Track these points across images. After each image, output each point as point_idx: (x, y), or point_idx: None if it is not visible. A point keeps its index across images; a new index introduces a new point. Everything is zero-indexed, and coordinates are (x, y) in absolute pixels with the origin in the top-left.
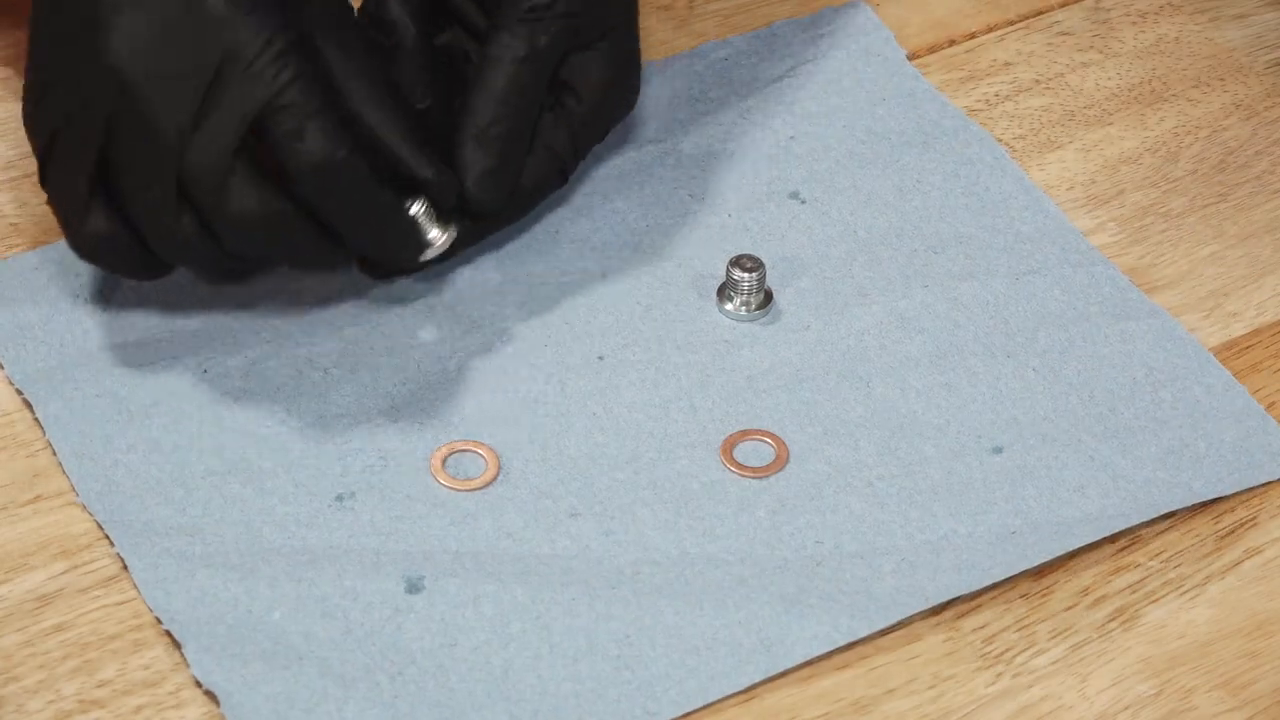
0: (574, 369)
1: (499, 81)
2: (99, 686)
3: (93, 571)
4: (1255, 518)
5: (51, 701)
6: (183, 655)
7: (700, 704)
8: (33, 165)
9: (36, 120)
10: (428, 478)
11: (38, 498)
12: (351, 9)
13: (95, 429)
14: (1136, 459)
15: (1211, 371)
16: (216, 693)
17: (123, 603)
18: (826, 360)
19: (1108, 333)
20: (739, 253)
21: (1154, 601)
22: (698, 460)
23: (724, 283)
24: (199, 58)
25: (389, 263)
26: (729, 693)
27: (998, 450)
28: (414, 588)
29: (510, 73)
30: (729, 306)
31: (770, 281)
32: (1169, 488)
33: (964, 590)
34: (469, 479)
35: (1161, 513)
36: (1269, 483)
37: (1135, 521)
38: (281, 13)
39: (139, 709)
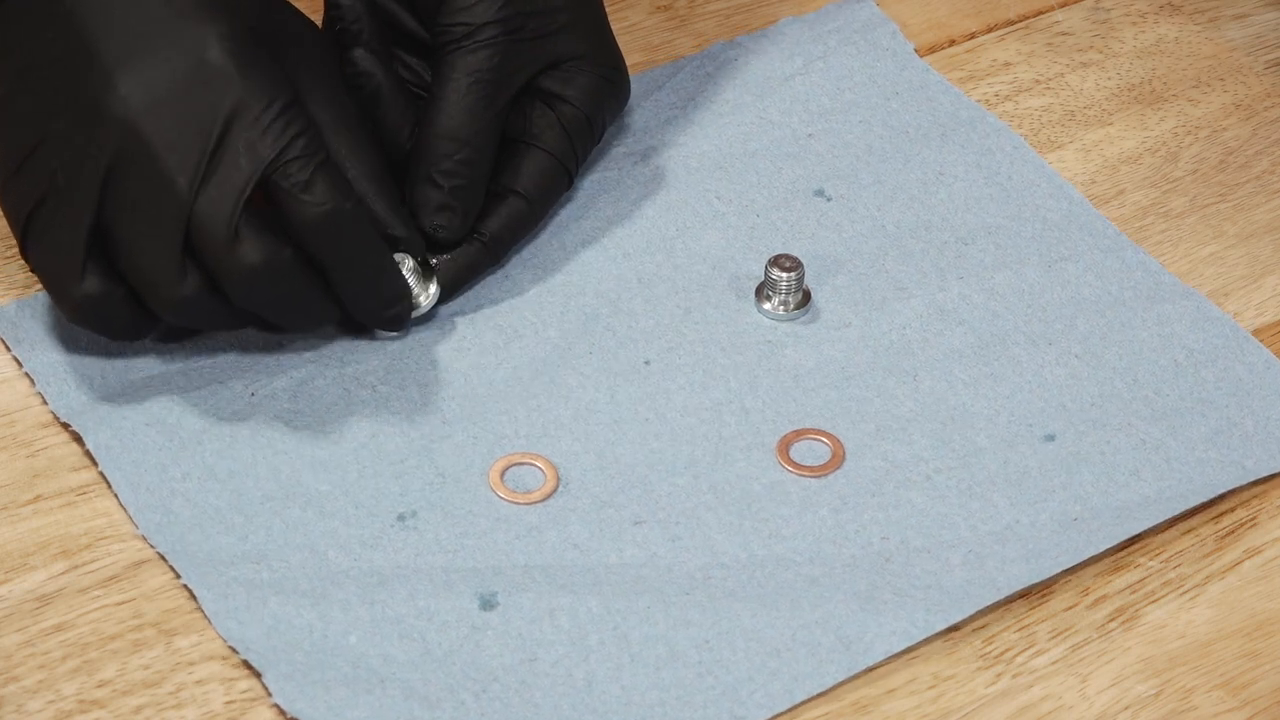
0: (622, 375)
1: (441, 117)
2: (99, 686)
3: (93, 572)
4: (1255, 518)
5: (51, 701)
6: (263, 684)
7: (786, 706)
8: None
9: (20, 187)
10: (488, 492)
11: (38, 498)
12: (335, 60)
13: (148, 458)
14: (1187, 440)
15: (1251, 350)
16: None
17: (123, 603)
18: (871, 356)
19: (1144, 316)
20: (774, 252)
21: (1154, 601)
22: (755, 462)
23: (762, 282)
24: (206, 112)
25: (377, 318)
26: (814, 693)
27: (1050, 438)
28: (488, 604)
29: (452, 106)
30: (768, 306)
31: (806, 280)
32: (1222, 467)
33: (1034, 579)
34: (529, 492)
35: (1219, 493)
36: (1269, 483)
37: (1194, 503)
38: (280, 69)
39: (139, 709)
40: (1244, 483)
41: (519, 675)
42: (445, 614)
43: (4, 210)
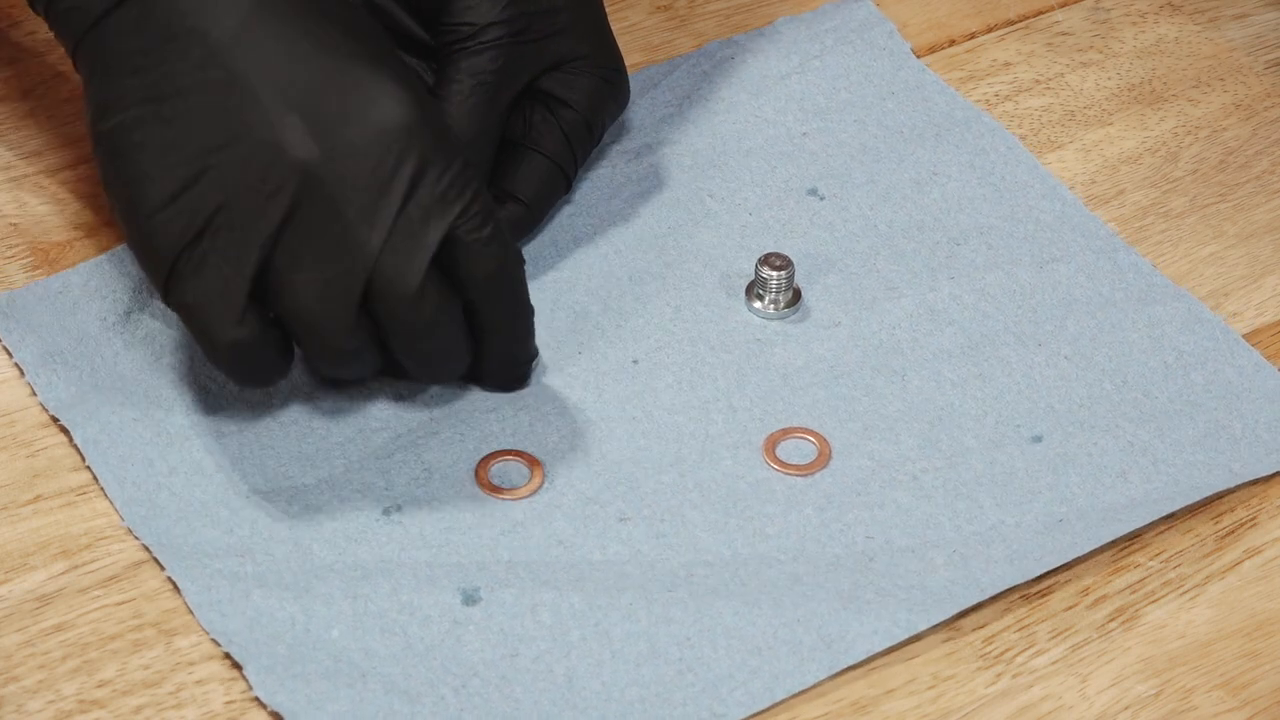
0: (609, 374)
1: (449, 120)
2: (99, 686)
3: (93, 571)
4: (1255, 518)
5: (51, 701)
6: (244, 677)
7: (766, 704)
8: (33, 166)
9: (173, 220)
10: (473, 488)
11: (38, 498)
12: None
13: (135, 452)
14: (1174, 443)
15: (1241, 353)
16: (282, 713)
17: (123, 603)
18: (860, 355)
19: (1135, 318)
20: (765, 251)
21: (1154, 601)
22: (741, 460)
23: (753, 281)
24: (392, 164)
25: (509, 373)
26: (794, 692)
27: (1037, 439)
28: (470, 599)
29: (455, 108)
30: (758, 305)
31: (796, 279)
32: (1209, 470)
33: (1018, 580)
34: (514, 488)
35: (1205, 495)
36: (1268, 483)
37: (1180, 505)
38: (447, 120)
39: (139, 709)
40: (1230, 486)
41: (499, 670)
42: (428, 608)
43: (146, 242)
